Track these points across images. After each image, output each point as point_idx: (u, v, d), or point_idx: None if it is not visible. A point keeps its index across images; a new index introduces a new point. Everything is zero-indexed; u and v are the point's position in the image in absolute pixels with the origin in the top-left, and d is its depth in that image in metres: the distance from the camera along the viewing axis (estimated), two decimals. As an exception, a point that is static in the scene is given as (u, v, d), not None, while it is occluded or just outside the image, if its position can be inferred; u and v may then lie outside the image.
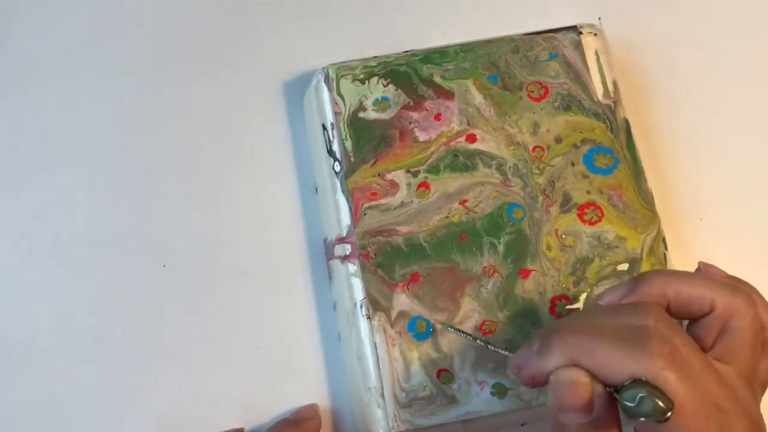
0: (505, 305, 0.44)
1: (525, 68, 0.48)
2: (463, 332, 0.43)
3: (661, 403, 0.32)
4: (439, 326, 0.43)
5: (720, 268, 0.40)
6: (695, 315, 0.37)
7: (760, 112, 0.52)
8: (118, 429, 0.46)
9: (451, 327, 0.43)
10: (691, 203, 0.50)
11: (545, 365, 0.35)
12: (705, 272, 0.40)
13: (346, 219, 0.46)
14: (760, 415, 0.35)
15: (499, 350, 0.41)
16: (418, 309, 0.44)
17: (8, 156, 0.50)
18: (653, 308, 0.35)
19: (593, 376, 0.34)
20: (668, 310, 0.37)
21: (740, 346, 0.36)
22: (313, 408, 0.46)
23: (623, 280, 0.39)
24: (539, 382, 0.36)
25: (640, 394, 0.32)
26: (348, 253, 0.45)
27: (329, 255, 0.47)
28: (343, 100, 0.48)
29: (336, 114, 0.47)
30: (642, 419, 0.32)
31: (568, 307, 0.44)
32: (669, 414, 0.32)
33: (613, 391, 0.33)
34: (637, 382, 0.32)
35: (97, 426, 0.46)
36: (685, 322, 0.38)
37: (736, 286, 0.37)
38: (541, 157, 0.47)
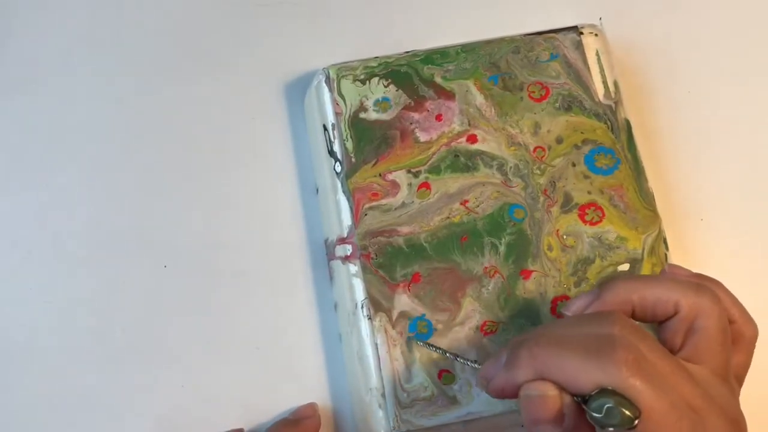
0: (506, 306, 0.44)
1: (526, 69, 0.48)
2: (433, 346, 0.43)
3: (627, 412, 0.32)
4: (412, 340, 0.43)
5: (685, 267, 0.41)
6: (661, 318, 0.38)
7: (761, 112, 0.52)
8: (118, 429, 0.46)
9: (421, 341, 0.43)
10: (692, 204, 0.50)
11: (513, 378, 0.35)
12: (670, 273, 0.41)
13: (347, 219, 0.46)
14: (739, 411, 0.36)
15: (468, 363, 0.41)
16: (419, 309, 0.44)
17: (8, 156, 0.50)
18: (618, 316, 0.35)
19: (561, 388, 0.34)
20: (634, 315, 0.38)
21: (708, 344, 0.37)
22: (312, 407, 0.46)
23: (588, 290, 0.40)
24: (508, 395, 0.36)
25: (607, 405, 0.32)
26: (349, 254, 0.45)
27: (330, 255, 0.47)
28: (344, 101, 0.48)
29: (337, 114, 0.47)
30: (611, 429, 0.32)
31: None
32: (636, 422, 0.32)
33: (581, 402, 0.33)
34: (604, 391, 0.33)
35: (97, 426, 0.46)
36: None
37: (701, 284, 0.38)
38: (542, 157, 0.47)
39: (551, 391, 0.34)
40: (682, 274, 0.40)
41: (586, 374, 0.33)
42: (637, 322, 0.36)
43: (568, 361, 0.34)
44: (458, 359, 0.42)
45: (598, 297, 0.38)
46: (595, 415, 0.33)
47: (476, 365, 0.40)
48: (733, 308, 0.38)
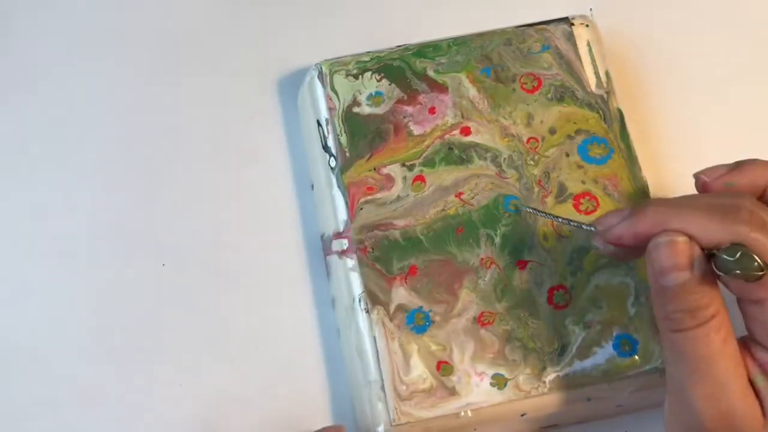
0: (503, 296, 0.44)
1: (518, 60, 0.48)
2: (542, 212, 0.44)
3: (758, 261, 0.34)
4: (522, 209, 0.45)
5: None
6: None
7: (754, 101, 0.52)
8: (118, 429, 0.46)
9: (530, 208, 0.45)
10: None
11: (636, 226, 0.37)
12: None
13: (342, 214, 0.46)
14: None
15: (583, 226, 0.41)
16: (416, 302, 0.44)
17: (8, 156, 0.50)
18: (747, 195, 0.36)
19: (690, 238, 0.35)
20: (765, 196, 0.38)
21: None
22: (339, 429, 0.44)
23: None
24: (625, 242, 0.38)
25: (740, 252, 0.34)
26: (345, 248, 0.45)
27: (326, 251, 0.47)
28: (337, 96, 0.48)
29: (330, 110, 0.47)
30: (737, 273, 0.34)
31: None
32: (763, 273, 0.34)
33: (708, 252, 0.35)
34: (735, 245, 0.34)
35: (96, 426, 0.46)
36: None
37: None
38: (535, 148, 0.47)
39: (682, 238, 0.36)
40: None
41: (712, 229, 0.35)
42: None
43: (694, 217, 0.35)
44: (571, 223, 0.43)
45: (733, 171, 0.39)
46: (727, 257, 0.34)
47: (590, 228, 0.41)
48: None
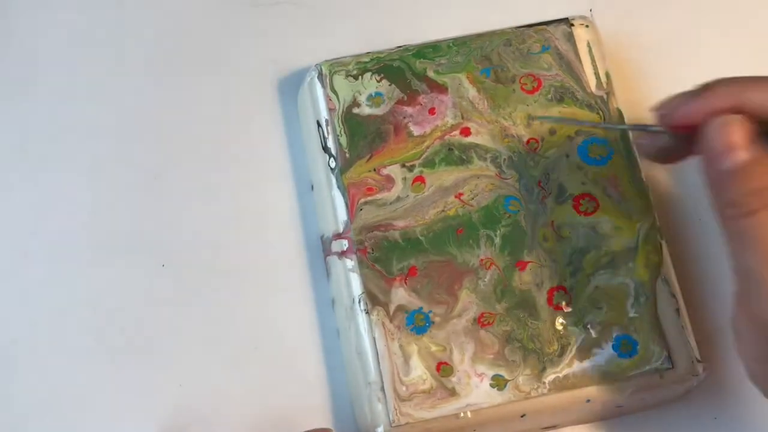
0: (503, 297, 0.44)
1: (517, 61, 0.48)
2: (554, 118, 0.44)
3: None
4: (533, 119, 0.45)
5: None
6: None
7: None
8: (118, 429, 0.46)
9: (541, 118, 0.44)
10: (690, 204, 0.50)
11: (707, 103, 0.35)
12: None
13: (342, 215, 0.46)
14: None
15: (644, 127, 0.40)
16: (416, 303, 0.44)
17: (8, 156, 0.50)
18: None
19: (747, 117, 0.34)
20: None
21: None
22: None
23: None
24: (688, 126, 0.36)
25: None
26: (345, 249, 0.45)
27: (326, 251, 0.47)
28: (337, 97, 0.48)
29: (330, 110, 0.47)
30: None
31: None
32: None
33: None
34: None
35: (96, 426, 0.46)
36: None
37: None
38: (535, 149, 0.47)
39: (737, 116, 0.34)
40: None
41: None
42: None
43: (763, 85, 0.34)
44: (599, 125, 0.42)
45: (703, 92, 0.37)
46: None
47: (619, 127, 0.41)
48: None
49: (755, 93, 0.35)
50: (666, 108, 0.37)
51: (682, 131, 0.37)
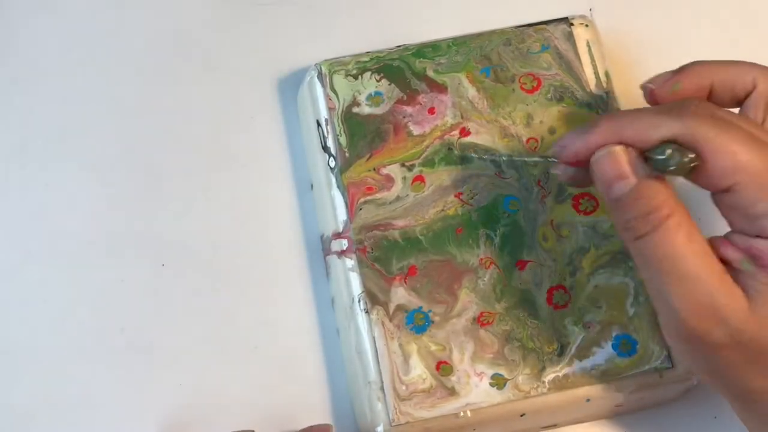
0: (502, 297, 0.44)
1: (517, 60, 0.48)
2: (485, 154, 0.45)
3: (689, 155, 0.35)
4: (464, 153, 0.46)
5: None
6: (740, 94, 0.39)
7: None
8: (118, 429, 0.46)
9: (474, 154, 0.45)
10: (688, 202, 0.49)
11: (591, 140, 0.37)
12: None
13: (342, 214, 0.46)
14: None
15: (544, 158, 0.42)
16: (415, 302, 0.44)
17: (8, 156, 0.50)
18: (696, 99, 0.38)
19: (628, 145, 0.36)
20: (713, 95, 0.40)
21: None
22: (327, 428, 0.44)
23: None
24: (580, 162, 0.38)
25: (669, 149, 0.35)
26: (345, 249, 0.45)
27: (326, 251, 0.47)
28: (337, 96, 0.48)
29: (330, 110, 0.48)
30: (672, 169, 0.35)
31: None
32: (696, 163, 0.35)
33: (646, 154, 0.36)
34: (664, 143, 0.35)
35: (96, 426, 0.46)
36: None
37: None
38: (535, 148, 0.47)
39: (618, 147, 0.36)
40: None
41: (659, 127, 0.36)
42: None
43: (643, 116, 0.36)
44: (531, 158, 0.44)
45: (677, 74, 0.40)
46: (658, 157, 0.35)
47: (537, 159, 0.43)
48: None
49: (630, 128, 0.36)
50: (559, 146, 0.39)
51: (577, 165, 0.39)
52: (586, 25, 0.49)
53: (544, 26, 0.49)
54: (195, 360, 0.47)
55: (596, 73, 0.48)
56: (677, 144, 0.35)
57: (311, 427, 0.43)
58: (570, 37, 0.49)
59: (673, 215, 0.35)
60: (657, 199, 0.35)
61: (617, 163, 0.36)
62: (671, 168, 0.35)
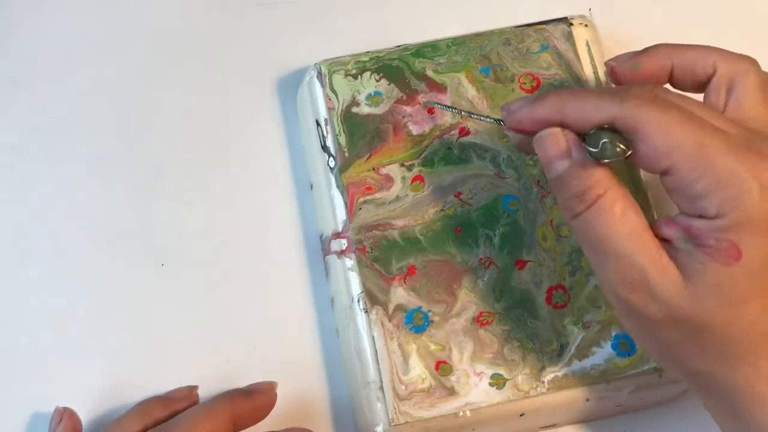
0: (501, 296, 0.44)
1: (517, 60, 0.48)
2: (448, 107, 0.45)
3: (620, 146, 0.35)
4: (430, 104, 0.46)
5: None
6: (700, 78, 0.39)
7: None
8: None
9: (439, 104, 0.46)
10: None
11: (535, 111, 0.38)
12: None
13: (341, 214, 0.46)
14: None
15: (483, 118, 0.43)
16: (415, 302, 0.44)
17: (8, 156, 0.50)
18: (647, 84, 0.37)
19: (567, 128, 0.37)
20: (674, 78, 0.40)
21: (750, 95, 0.38)
22: (270, 384, 0.45)
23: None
24: (524, 128, 0.39)
25: (602, 140, 0.35)
26: (344, 248, 0.45)
27: (326, 251, 0.47)
28: (336, 96, 0.48)
29: (329, 110, 0.48)
30: (606, 160, 0.35)
31: None
32: (629, 152, 0.35)
33: (582, 140, 0.36)
34: (598, 131, 0.36)
35: (96, 426, 0.46)
36: None
37: (740, 54, 0.40)
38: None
39: (557, 129, 0.37)
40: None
41: (599, 110, 0.36)
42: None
43: (586, 99, 0.37)
44: (480, 118, 0.43)
45: (639, 54, 0.41)
46: (590, 149, 0.36)
47: (491, 120, 0.42)
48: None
49: (572, 107, 0.37)
50: (505, 109, 0.40)
51: (521, 132, 0.39)
52: (586, 25, 0.49)
53: (543, 26, 0.49)
54: (195, 360, 0.47)
55: (596, 73, 0.48)
56: (613, 130, 0.35)
57: (290, 428, 0.43)
58: (569, 37, 0.49)
59: (606, 194, 0.36)
60: (591, 179, 0.36)
61: (557, 144, 0.37)
62: (605, 160, 0.35)
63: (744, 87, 0.38)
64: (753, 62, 0.39)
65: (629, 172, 0.46)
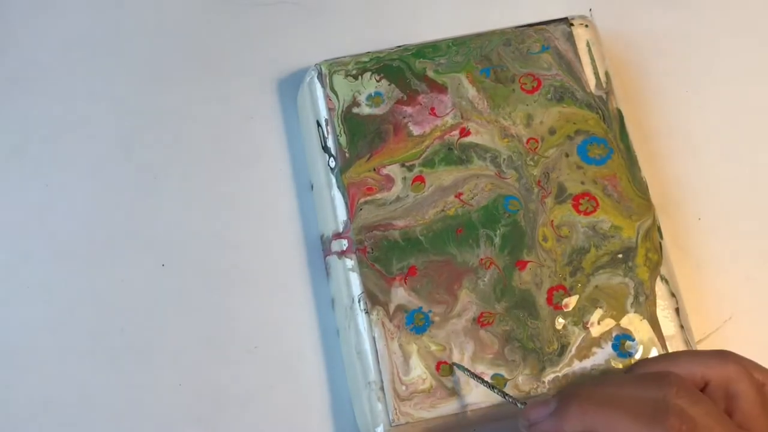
0: (502, 297, 0.44)
1: (517, 61, 0.48)
2: (476, 377, 0.42)
3: None
4: (454, 367, 0.43)
5: (689, 348, 0.42)
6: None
7: (753, 101, 0.52)
8: (118, 429, 0.46)
9: (467, 371, 0.42)
10: (689, 202, 0.50)
11: (560, 427, 0.36)
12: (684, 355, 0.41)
13: (342, 214, 0.46)
14: None
15: (511, 400, 0.41)
16: (415, 302, 0.44)
17: (8, 156, 0.50)
18: (674, 378, 0.35)
19: None
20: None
21: (752, 408, 0.37)
22: None
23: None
24: None
25: None
26: (345, 249, 0.45)
27: (326, 251, 0.47)
28: (337, 96, 0.48)
29: (330, 110, 0.48)
30: None
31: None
32: None
33: None
34: None
35: (96, 426, 0.46)
36: None
37: (720, 352, 0.38)
38: (535, 148, 0.47)
39: None
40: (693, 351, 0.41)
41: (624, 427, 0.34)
42: None
43: (619, 422, 0.34)
44: (505, 397, 0.41)
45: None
46: None
47: (520, 405, 0.40)
48: (757, 372, 0.38)
49: (607, 426, 0.35)
50: (528, 420, 0.39)
51: None
52: (586, 26, 0.49)
53: (544, 26, 0.49)
54: (195, 360, 0.47)
55: (596, 74, 0.48)
56: None
57: None
58: (570, 38, 0.49)
59: None
60: None
61: None
62: None
63: (743, 399, 0.37)
64: (738, 362, 0.38)
65: (629, 168, 0.46)
